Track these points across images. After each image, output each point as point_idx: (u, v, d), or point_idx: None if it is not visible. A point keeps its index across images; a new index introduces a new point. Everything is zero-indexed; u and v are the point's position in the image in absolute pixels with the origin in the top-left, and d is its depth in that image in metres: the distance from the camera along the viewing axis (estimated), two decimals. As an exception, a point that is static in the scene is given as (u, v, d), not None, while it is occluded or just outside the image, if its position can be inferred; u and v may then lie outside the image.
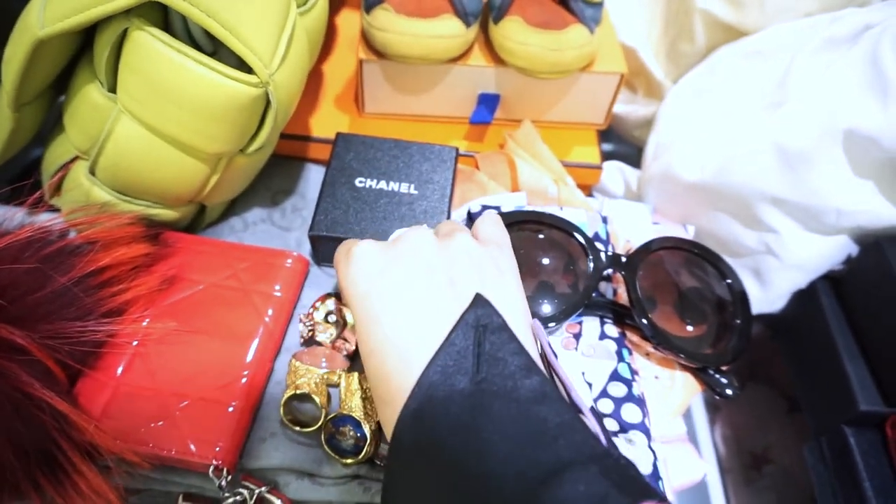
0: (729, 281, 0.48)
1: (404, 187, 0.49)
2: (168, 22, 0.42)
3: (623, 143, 0.68)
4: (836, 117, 0.41)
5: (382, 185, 0.49)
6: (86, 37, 0.42)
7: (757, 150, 0.44)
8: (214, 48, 0.43)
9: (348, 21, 0.64)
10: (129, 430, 0.39)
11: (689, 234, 0.52)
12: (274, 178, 0.55)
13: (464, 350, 0.28)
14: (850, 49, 0.43)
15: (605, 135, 0.65)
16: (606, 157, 0.61)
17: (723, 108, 0.48)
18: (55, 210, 0.46)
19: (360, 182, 0.49)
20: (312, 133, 0.56)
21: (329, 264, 0.50)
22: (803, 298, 0.50)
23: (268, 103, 0.41)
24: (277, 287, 0.47)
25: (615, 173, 0.56)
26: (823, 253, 0.46)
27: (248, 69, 0.39)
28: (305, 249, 0.50)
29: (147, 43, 0.37)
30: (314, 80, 0.59)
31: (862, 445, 0.43)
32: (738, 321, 0.46)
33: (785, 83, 0.44)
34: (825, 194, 0.43)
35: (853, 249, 0.47)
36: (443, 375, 0.28)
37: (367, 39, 0.52)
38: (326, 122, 0.56)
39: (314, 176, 0.56)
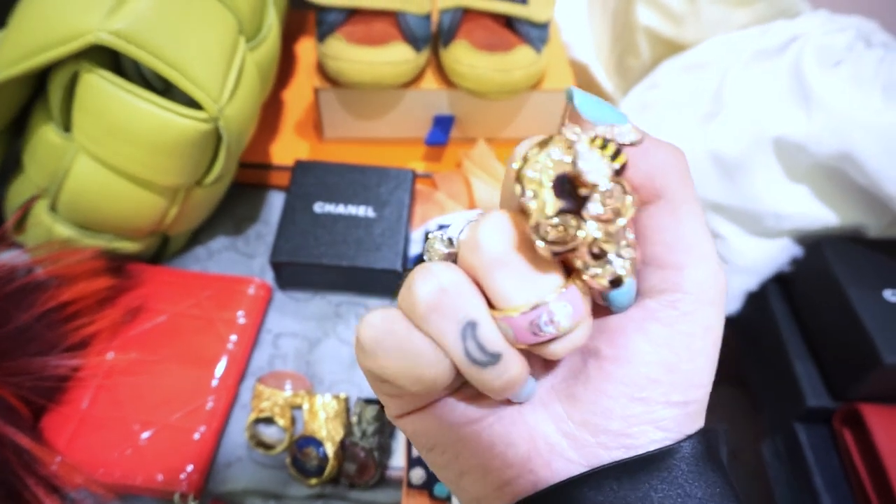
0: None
1: (362, 210, 0.50)
2: (119, 62, 0.43)
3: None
4: (765, 126, 0.43)
5: (341, 209, 0.50)
6: (40, 79, 0.43)
7: (695, 158, 0.46)
8: (166, 86, 0.44)
9: (307, 49, 0.65)
10: (96, 461, 0.40)
11: (642, 242, 0.54)
12: (238, 206, 0.56)
13: None
14: (778, 60, 0.45)
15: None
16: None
17: (666, 120, 0.50)
18: (19, 246, 0.47)
19: (319, 207, 0.50)
20: (275, 161, 0.57)
21: (293, 288, 0.51)
22: (755, 300, 0.52)
23: (220, 136, 0.42)
24: (241, 313, 0.48)
25: (571, 186, 0.58)
26: (768, 255, 0.48)
27: (199, 105, 0.40)
28: (270, 275, 0.52)
29: (98, 84, 0.38)
30: (275, 108, 0.60)
31: (812, 441, 0.45)
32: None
33: (720, 94, 0.46)
34: (762, 199, 0.45)
35: (797, 251, 0.48)
36: None
37: (321, 68, 0.54)
38: (288, 150, 0.58)
39: (277, 202, 0.57)
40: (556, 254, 0.18)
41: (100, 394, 0.43)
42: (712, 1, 0.51)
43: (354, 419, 0.43)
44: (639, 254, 0.19)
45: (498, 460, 0.20)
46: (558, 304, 0.18)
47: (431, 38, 0.55)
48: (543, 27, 0.53)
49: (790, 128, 0.42)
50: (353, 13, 0.51)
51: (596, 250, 0.17)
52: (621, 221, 0.17)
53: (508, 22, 0.52)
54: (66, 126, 0.41)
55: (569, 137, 0.17)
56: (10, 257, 0.44)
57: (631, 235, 0.18)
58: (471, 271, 0.19)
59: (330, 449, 0.42)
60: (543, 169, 0.17)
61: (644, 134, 0.19)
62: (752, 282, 0.51)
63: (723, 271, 0.20)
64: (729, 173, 0.45)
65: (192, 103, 0.40)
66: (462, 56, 0.51)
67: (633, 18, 0.55)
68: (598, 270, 0.18)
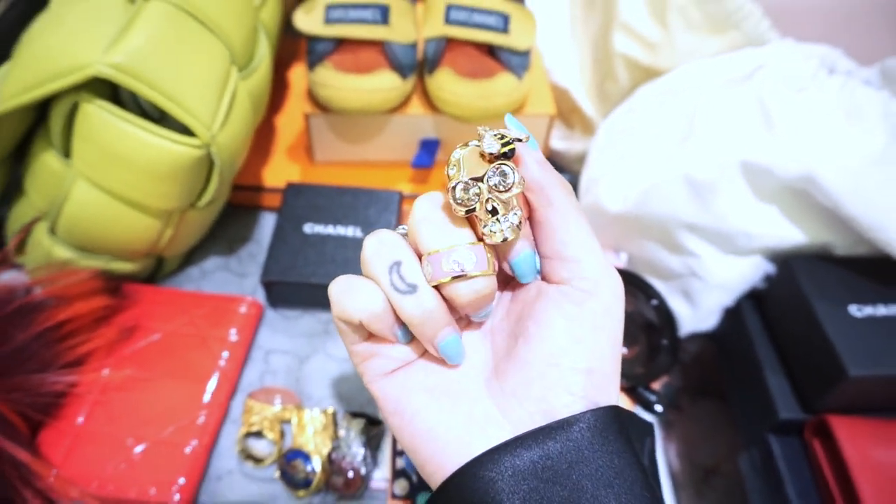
0: (656, 304, 0.51)
1: (351, 231, 0.52)
2: (117, 92, 0.45)
3: (574, 175, 0.72)
4: (733, 150, 0.45)
5: (330, 229, 0.52)
6: (41, 109, 0.45)
7: (669, 181, 0.48)
8: (161, 114, 0.46)
9: (299, 76, 0.68)
10: (91, 475, 0.42)
11: (621, 261, 0.56)
12: (230, 227, 0.58)
13: None
14: (745, 87, 0.47)
15: (557, 167, 0.69)
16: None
17: (642, 144, 0.52)
18: (19, 267, 0.48)
19: (309, 228, 0.52)
20: (267, 183, 0.59)
21: (283, 306, 0.53)
22: (731, 316, 0.53)
23: (212, 162, 0.44)
24: (233, 331, 0.49)
25: (554, 206, 0.60)
26: (741, 273, 0.49)
27: (192, 133, 0.42)
28: (262, 293, 0.53)
29: (96, 114, 0.40)
30: (267, 132, 0.62)
31: (785, 452, 0.46)
32: (666, 341, 0.49)
33: (692, 119, 0.48)
34: (733, 220, 0.46)
35: (769, 268, 0.50)
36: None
37: (312, 95, 0.56)
38: (280, 172, 0.60)
39: (269, 223, 0.59)
40: (466, 211, 0.24)
41: (95, 409, 0.44)
42: (685, 30, 0.54)
43: (341, 433, 0.45)
44: (524, 219, 0.25)
45: (442, 426, 0.25)
46: (466, 251, 0.24)
47: (417, 66, 0.57)
48: (524, 55, 0.55)
49: (756, 152, 0.44)
50: (341, 43, 0.54)
51: (489, 207, 0.24)
52: (514, 190, 0.24)
53: (491, 50, 0.55)
54: (66, 153, 0.43)
55: (480, 132, 0.25)
56: (10, 278, 0.45)
57: (519, 211, 0.24)
58: (409, 234, 0.26)
59: (317, 462, 0.43)
60: (464, 153, 0.25)
61: (536, 157, 0.25)
62: (727, 298, 0.52)
63: (612, 267, 0.26)
64: (701, 195, 0.47)
65: (186, 131, 0.42)
66: (446, 83, 0.53)
67: (612, 46, 0.57)
68: (493, 227, 0.24)
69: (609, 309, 0.25)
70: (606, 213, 0.53)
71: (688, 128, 0.49)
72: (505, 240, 0.24)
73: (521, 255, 0.26)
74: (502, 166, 0.24)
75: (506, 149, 0.24)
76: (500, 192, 0.24)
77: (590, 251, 0.25)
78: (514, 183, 0.24)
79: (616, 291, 0.25)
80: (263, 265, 0.50)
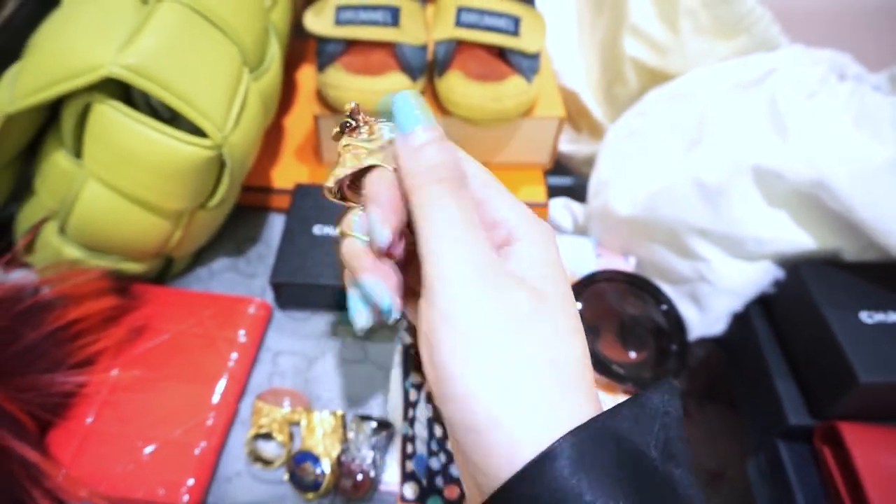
0: (665, 308, 0.51)
1: (359, 232, 0.52)
2: (129, 91, 0.45)
3: (582, 177, 0.72)
4: (744, 154, 0.45)
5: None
6: (52, 109, 0.45)
7: (679, 185, 0.48)
8: (173, 114, 0.46)
9: (308, 77, 0.68)
10: (100, 475, 0.42)
11: (630, 265, 0.56)
12: (239, 228, 0.58)
13: None
14: (756, 91, 0.47)
15: (565, 169, 0.69)
16: (565, 191, 0.65)
17: (652, 147, 0.52)
18: (28, 267, 0.48)
19: (318, 229, 0.52)
20: (276, 184, 0.59)
21: (292, 308, 0.53)
22: (739, 321, 0.53)
23: (223, 162, 0.44)
24: (241, 332, 0.49)
25: (562, 209, 0.60)
26: (750, 277, 0.49)
27: (204, 133, 0.42)
28: (271, 294, 0.53)
29: (109, 114, 0.40)
30: (276, 134, 0.62)
31: (794, 458, 0.46)
32: (675, 346, 0.49)
33: (702, 123, 0.48)
34: (743, 224, 0.46)
35: (778, 273, 0.50)
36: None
37: (321, 96, 0.56)
38: (289, 173, 0.60)
39: (278, 224, 0.59)
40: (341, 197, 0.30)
41: (104, 409, 0.44)
42: (696, 33, 0.54)
43: (351, 435, 0.45)
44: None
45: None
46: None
47: (427, 68, 0.57)
48: (534, 58, 0.55)
49: (767, 156, 0.44)
50: (351, 44, 0.54)
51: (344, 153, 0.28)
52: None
53: (501, 53, 0.55)
54: (77, 152, 0.43)
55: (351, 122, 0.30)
56: (19, 278, 0.45)
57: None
58: None
59: (327, 464, 0.43)
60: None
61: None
62: (736, 303, 0.52)
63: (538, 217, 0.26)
64: (711, 199, 0.47)
65: (198, 131, 0.42)
66: (456, 86, 0.53)
67: (621, 49, 0.58)
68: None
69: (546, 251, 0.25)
70: (616, 215, 0.53)
71: (698, 132, 0.49)
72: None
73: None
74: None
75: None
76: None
77: (511, 207, 0.26)
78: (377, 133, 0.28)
79: (547, 234, 0.25)
80: (272, 266, 0.50)
